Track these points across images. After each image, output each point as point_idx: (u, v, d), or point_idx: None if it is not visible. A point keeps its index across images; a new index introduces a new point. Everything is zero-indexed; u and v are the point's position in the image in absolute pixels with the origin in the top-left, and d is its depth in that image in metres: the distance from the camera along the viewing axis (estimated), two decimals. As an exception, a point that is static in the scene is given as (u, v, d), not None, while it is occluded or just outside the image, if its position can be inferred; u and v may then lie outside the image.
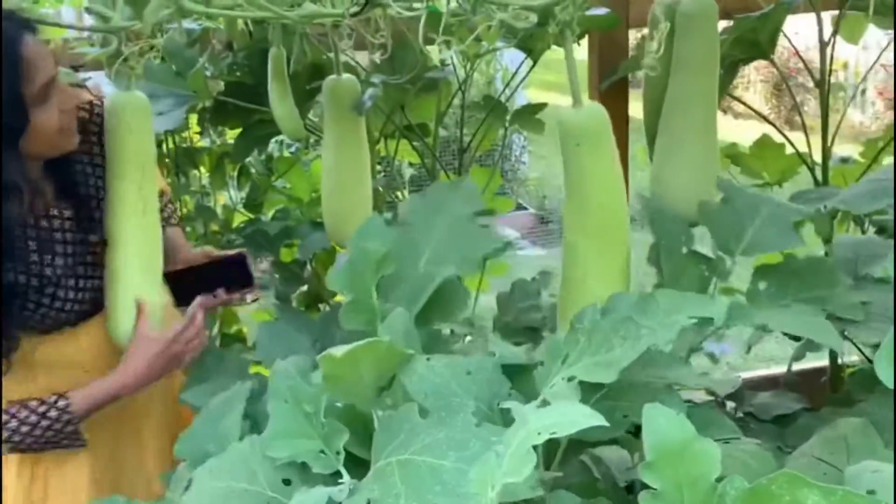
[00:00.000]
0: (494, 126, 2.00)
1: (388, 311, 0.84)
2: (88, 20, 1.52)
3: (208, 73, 1.68)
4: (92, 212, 1.18)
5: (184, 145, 1.97)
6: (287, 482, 0.72)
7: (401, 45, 1.53)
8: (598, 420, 0.50)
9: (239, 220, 2.02)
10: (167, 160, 1.94)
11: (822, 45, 1.73)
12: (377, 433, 0.66)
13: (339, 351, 0.64)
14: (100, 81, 1.88)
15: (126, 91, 1.14)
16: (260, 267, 2.09)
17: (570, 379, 0.63)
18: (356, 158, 1.34)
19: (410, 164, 2.12)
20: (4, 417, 1.07)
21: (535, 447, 0.52)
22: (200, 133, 2.00)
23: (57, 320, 1.13)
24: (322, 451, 0.67)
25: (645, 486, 0.53)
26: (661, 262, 0.90)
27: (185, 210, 2.02)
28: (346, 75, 1.36)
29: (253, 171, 2.04)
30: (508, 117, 2.01)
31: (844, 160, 2.02)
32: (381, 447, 0.65)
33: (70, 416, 1.09)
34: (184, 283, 1.23)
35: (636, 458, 0.78)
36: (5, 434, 1.07)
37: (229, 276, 1.27)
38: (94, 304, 1.17)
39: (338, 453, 0.67)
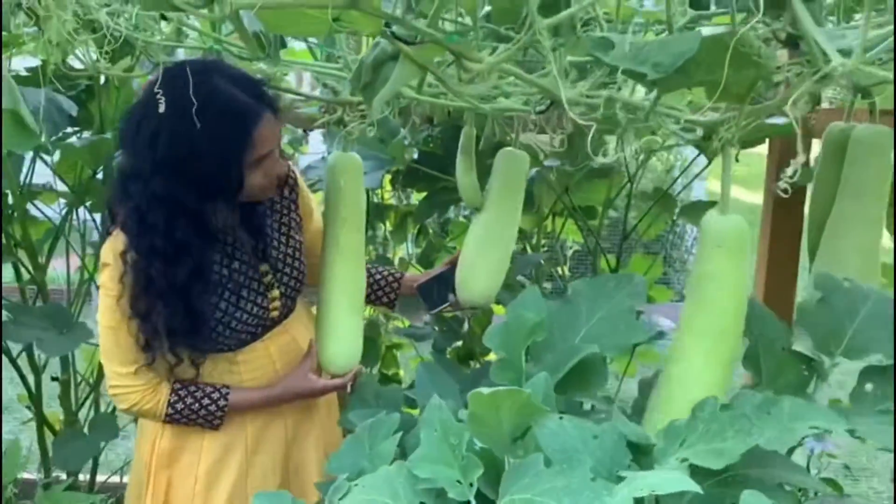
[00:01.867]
0: (661, 217, 2.07)
1: (534, 374, 0.94)
2: (306, 85, 1.79)
3: (406, 142, 1.91)
4: (266, 246, 1.37)
5: (375, 201, 2.20)
6: (423, 504, 0.83)
7: (579, 133, 1.66)
8: (690, 486, 0.58)
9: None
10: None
11: None
12: (506, 474, 0.77)
13: (486, 391, 0.75)
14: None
15: (345, 152, 1.35)
16: (424, 319, 2.27)
17: (684, 460, 0.70)
18: (505, 226, 1.43)
19: (574, 242, 2.22)
20: (181, 391, 1.31)
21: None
22: (392, 192, 2.23)
23: (239, 339, 1.34)
24: (458, 481, 0.78)
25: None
26: (761, 361, 0.92)
27: (366, 258, 2.25)
28: (519, 150, 1.47)
29: (430, 231, 2.24)
30: (677, 210, 2.07)
31: None
32: (508, 486, 0.75)
33: (226, 403, 1.33)
34: (429, 289, 1.56)
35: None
36: (173, 399, 1.31)
37: (446, 284, 1.53)
38: (268, 323, 1.37)
39: (471, 485, 0.77)
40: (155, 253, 1.20)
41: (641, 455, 0.77)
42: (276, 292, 1.37)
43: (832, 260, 1.24)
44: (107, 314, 1.26)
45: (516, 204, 1.48)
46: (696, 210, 2.08)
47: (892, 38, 0.78)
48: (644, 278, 1.06)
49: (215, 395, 1.32)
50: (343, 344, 1.36)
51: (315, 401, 1.45)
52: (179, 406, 1.31)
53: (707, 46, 0.77)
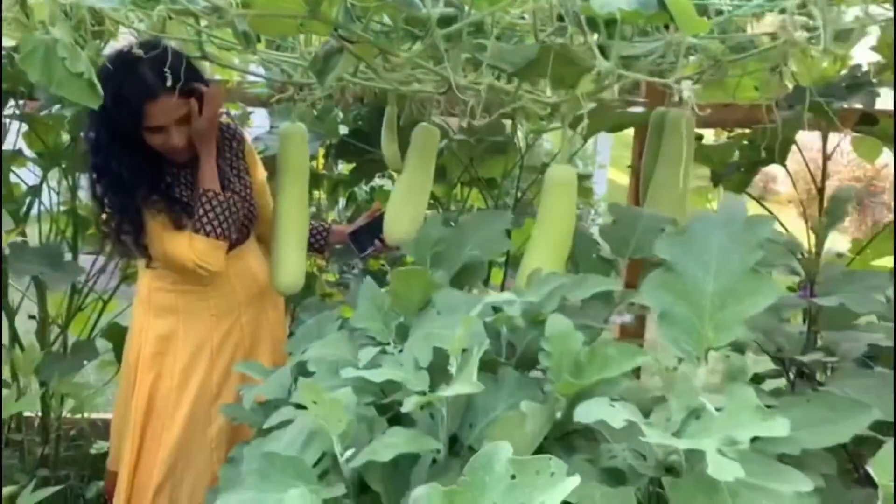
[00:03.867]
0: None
1: (435, 273, 1.38)
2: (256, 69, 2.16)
3: (339, 119, 2.31)
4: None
5: (311, 171, 2.59)
6: (359, 353, 1.25)
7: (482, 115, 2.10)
8: (511, 299, 1.02)
9: (341, 233, 2.62)
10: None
11: (825, 157, 2.20)
12: (414, 322, 1.19)
13: (402, 270, 1.18)
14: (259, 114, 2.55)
15: (293, 123, 1.74)
16: (353, 272, 2.67)
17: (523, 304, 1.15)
18: (422, 184, 1.83)
19: (479, 209, 2.66)
20: (201, 220, 1.69)
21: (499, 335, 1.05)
22: (325, 163, 2.62)
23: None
24: (382, 329, 1.20)
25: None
26: (578, 263, 1.39)
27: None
28: (431, 126, 1.90)
29: (358, 196, 2.64)
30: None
31: (840, 255, 2.43)
32: (415, 329, 1.18)
33: (210, 191, 1.69)
34: (359, 236, 1.96)
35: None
36: (203, 221, 1.68)
37: (377, 228, 1.92)
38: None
39: (391, 331, 1.20)
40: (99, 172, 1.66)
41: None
42: None
43: (653, 205, 1.73)
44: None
45: (430, 167, 1.89)
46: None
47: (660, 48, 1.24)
48: (510, 214, 1.50)
49: (199, 197, 1.70)
50: (291, 270, 1.75)
51: (266, 316, 1.84)
52: (204, 219, 1.68)
53: (542, 52, 1.21)
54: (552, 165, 1.40)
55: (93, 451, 2.54)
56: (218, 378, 1.75)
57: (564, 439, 1.06)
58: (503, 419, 0.99)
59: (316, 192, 2.61)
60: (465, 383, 0.89)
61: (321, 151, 2.50)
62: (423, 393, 0.98)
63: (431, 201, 2.62)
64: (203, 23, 1.59)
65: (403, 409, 0.94)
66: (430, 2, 1.20)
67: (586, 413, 0.90)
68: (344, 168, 2.63)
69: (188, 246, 1.67)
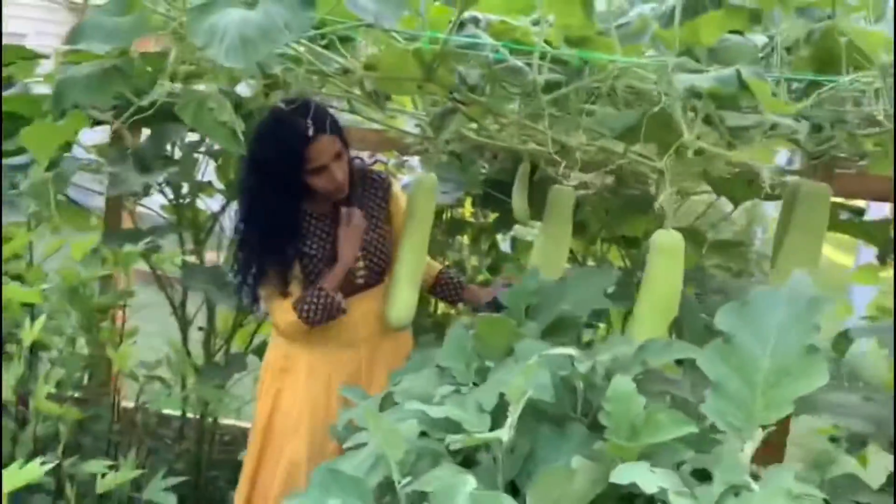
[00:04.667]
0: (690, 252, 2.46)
1: (528, 325, 1.43)
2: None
3: (483, 171, 2.42)
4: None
5: (457, 217, 2.73)
6: (443, 391, 1.32)
7: (620, 170, 2.11)
8: (583, 368, 1.05)
9: (480, 279, 2.72)
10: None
11: None
12: (492, 369, 1.25)
13: (487, 317, 1.25)
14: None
15: (427, 173, 1.88)
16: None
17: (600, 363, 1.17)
18: (558, 246, 1.87)
19: (619, 268, 2.65)
20: (298, 300, 1.84)
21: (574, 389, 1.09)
22: (473, 212, 2.74)
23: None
24: (463, 371, 1.27)
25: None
26: (684, 332, 1.36)
27: (446, 263, 2.76)
28: (566, 187, 1.95)
29: (499, 245, 2.74)
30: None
31: None
32: (492, 375, 1.24)
33: (323, 289, 1.82)
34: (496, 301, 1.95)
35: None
36: (297, 305, 1.83)
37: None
38: (354, 286, 1.90)
39: (471, 373, 1.26)
40: (255, 222, 1.83)
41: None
42: (360, 263, 1.91)
43: (779, 275, 1.65)
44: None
45: (566, 228, 1.89)
46: (723, 247, 2.50)
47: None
48: (615, 271, 1.51)
49: (315, 290, 1.83)
50: (402, 306, 1.88)
51: (386, 350, 1.97)
52: (304, 307, 1.83)
53: (639, 118, 1.24)
54: (658, 230, 1.40)
55: (240, 458, 2.79)
56: (335, 404, 1.89)
57: (621, 500, 1.07)
58: (552, 472, 1.01)
59: (460, 238, 2.74)
60: (505, 430, 0.94)
61: (469, 200, 2.62)
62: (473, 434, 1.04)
63: (570, 256, 2.65)
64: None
65: (450, 447, 1.00)
66: (537, 67, 1.28)
67: (622, 476, 0.91)
68: (491, 217, 2.74)
69: (286, 313, 1.85)
